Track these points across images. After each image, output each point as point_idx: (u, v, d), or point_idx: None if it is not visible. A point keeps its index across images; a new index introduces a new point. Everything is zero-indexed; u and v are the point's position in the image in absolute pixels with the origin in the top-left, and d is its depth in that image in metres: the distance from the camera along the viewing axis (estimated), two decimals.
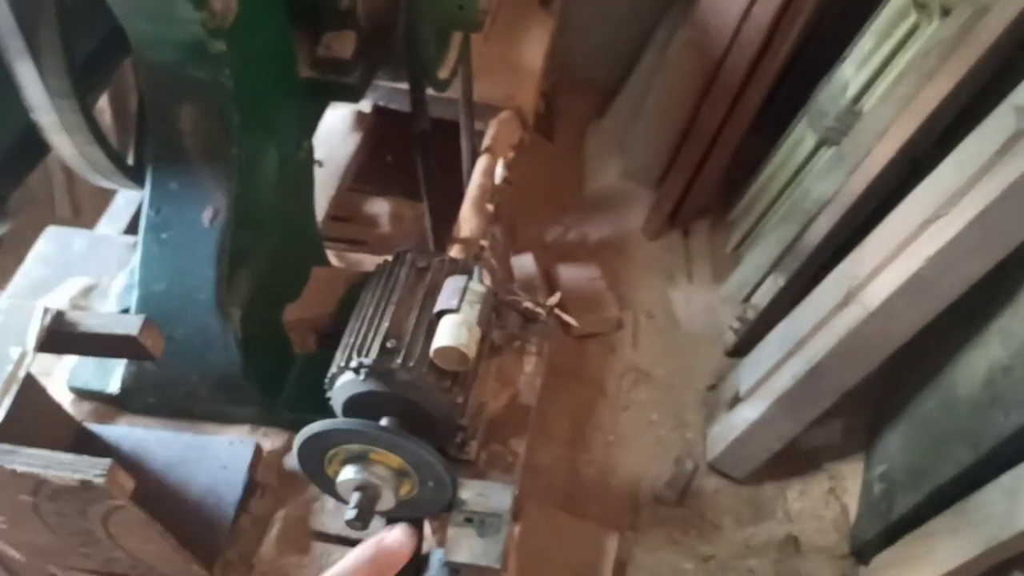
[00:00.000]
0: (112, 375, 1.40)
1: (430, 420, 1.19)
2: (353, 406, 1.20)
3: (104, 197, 2.28)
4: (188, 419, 1.39)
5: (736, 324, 2.11)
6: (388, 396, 1.17)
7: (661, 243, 2.39)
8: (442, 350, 1.16)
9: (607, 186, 2.49)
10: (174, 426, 1.40)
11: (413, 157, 2.06)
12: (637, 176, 2.43)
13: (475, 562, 1.14)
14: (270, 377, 1.37)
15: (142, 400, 1.39)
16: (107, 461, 0.98)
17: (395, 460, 1.14)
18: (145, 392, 1.38)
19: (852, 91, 1.89)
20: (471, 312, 1.19)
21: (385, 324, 1.20)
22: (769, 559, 1.83)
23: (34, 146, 1.47)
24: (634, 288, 2.33)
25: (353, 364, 1.17)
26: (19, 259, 1.79)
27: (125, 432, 1.35)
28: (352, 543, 1.28)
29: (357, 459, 1.15)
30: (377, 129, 2.04)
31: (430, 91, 1.69)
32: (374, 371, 1.16)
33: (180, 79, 1.23)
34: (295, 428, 1.37)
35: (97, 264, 1.63)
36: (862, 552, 1.77)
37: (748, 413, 1.85)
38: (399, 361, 1.16)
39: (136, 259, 1.33)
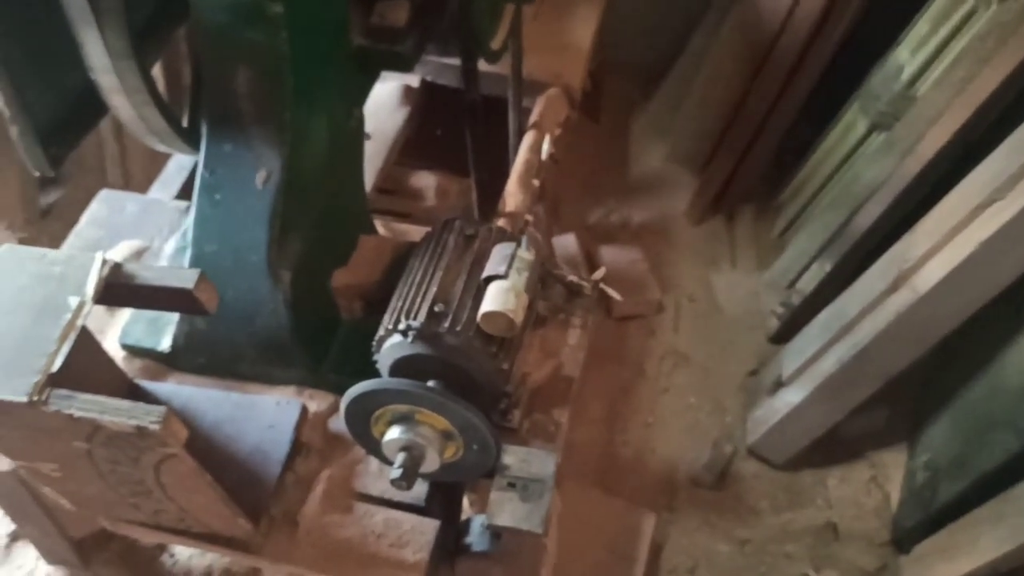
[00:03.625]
0: (163, 334, 1.43)
1: (475, 386, 1.20)
2: (399, 369, 1.22)
3: (155, 165, 2.31)
4: (235, 379, 1.42)
5: (780, 309, 2.10)
6: (434, 360, 1.18)
7: (704, 228, 2.38)
8: (489, 315, 1.17)
9: (651, 169, 2.48)
10: (222, 386, 1.42)
11: (460, 132, 2.07)
12: (682, 160, 2.42)
13: (518, 526, 1.15)
14: (317, 341, 1.39)
15: (192, 359, 1.41)
16: (162, 409, 0.99)
17: (441, 422, 1.16)
18: (195, 352, 1.40)
19: (907, 75, 1.86)
20: (519, 279, 1.20)
21: (433, 289, 1.22)
22: (806, 544, 1.82)
23: (90, 109, 1.50)
24: (676, 272, 2.32)
25: (401, 327, 1.18)
26: (71, 225, 1.83)
27: (175, 389, 1.37)
28: (394, 505, 1.30)
29: (403, 420, 1.17)
30: (424, 104, 2.05)
31: (480, 65, 1.70)
32: (422, 334, 1.17)
33: (237, 42, 1.25)
34: (340, 391, 1.39)
35: (149, 227, 1.66)
36: (903, 541, 1.75)
37: (791, 397, 1.84)
38: (446, 325, 1.17)
39: (189, 220, 1.35)
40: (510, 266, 1.20)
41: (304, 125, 1.32)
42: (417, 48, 1.46)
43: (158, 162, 2.35)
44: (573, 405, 1.37)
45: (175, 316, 1.42)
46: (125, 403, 1.01)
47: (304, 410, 1.33)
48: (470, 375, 1.19)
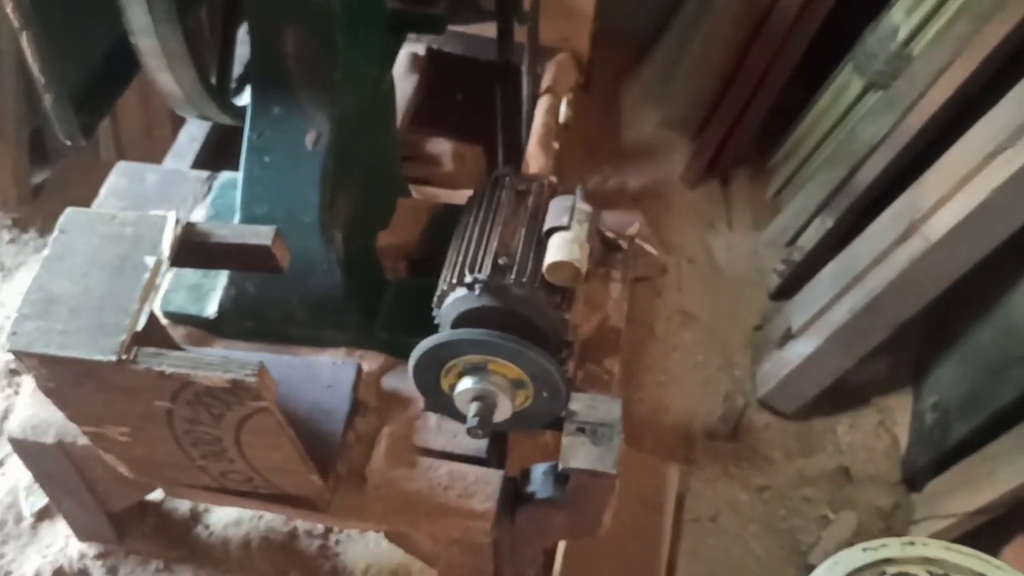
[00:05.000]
0: (207, 300, 1.43)
1: (539, 336, 1.22)
2: (463, 322, 1.23)
3: (150, 141, 2.29)
4: (284, 343, 1.42)
5: (781, 267, 2.16)
6: (500, 311, 1.21)
7: (700, 191, 2.43)
8: (556, 265, 1.19)
9: (645, 135, 2.51)
10: (270, 350, 1.42)
11: (465, 99, 2.08)
12: (676, 125, 2.46)
13: (592, 467, 1.19)
14: (368, 300, 1.40)
15: (239, 324, 1.42)
16: (257, 361, 1.01)
17: (513, 371, 1.18)
18: (243, 316, 1.41)
19: (902, 35, 1.93)
20: (580, 230, 1.23)
21: (494, 243, 1.24)
22: (822, 488, 1.89)
23: (119, 75, 1.49)
24: (674, 235, 2.37)
25: (467, 280, 1.20)
26: (65, 204, 1.80)
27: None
28: (455, 457, 1.32)
29: (476, 370, 1.19)
30: (431, 72, 2.06)
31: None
32: (488, 287, 1.19)
33: (286, 3, 1.25)
34: (391, 350, 1.42)
35: (172, 198, 1.64)
36: (915, 480, 1.83)
37: (802, 348, 1.90)
38: (512, 277, 1.19)
39: (239, 182, 1.35)
40: (571, 217, 1.22)
41: (351, 86, 1.33)
42: (451, 9, 1.48)
43: (154, 138, 2.32)
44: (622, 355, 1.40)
45: (219, 282, 1.43)
46: (217, 358, 1.01)
47: (360, 369, 1.35)
48: (535, 326, 1.21)
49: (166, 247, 1.07)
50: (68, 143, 1.41)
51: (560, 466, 1.18)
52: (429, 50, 2.04)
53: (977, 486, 1.62)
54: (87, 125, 1.40)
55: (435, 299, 1.25)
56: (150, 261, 1.06)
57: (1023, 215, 1.55)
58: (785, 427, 2.01)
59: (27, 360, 1.02)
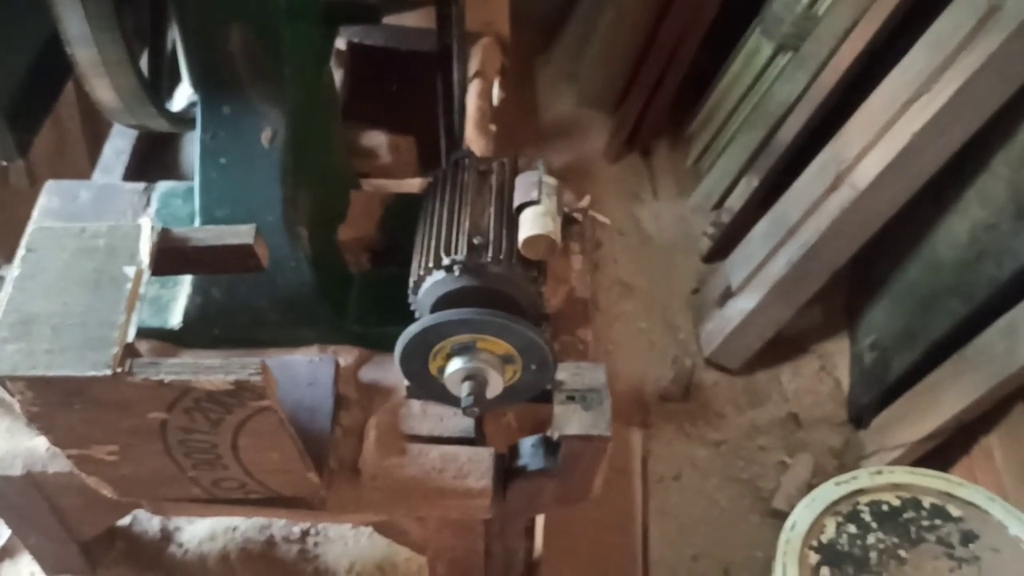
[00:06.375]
0: (169, 311, 1.39)
1: (518, 312, 1.24)
2: (442, 305, 1.24)
3: (63, 161, 2.20)
4: (252, 347, 1.40)
5: (711, 229, 2.23)
6: (480, 291, 1.22)
7: (622, 165, 2.49)
8: (532, 239, 1.21)
9: (562, 114, 2.56)
10: (240, 355, 1.39)
11: (388, 90, 2.07)
12: (592, 102, 2.51)
13: (587, 432, 1.22)
14: (337, 294, 1.39)
15: (205, 332, 1.38)
16: (258, 360, 1.00)
17: (502, 346, 1.20)
18: (210, 324, 1.38)
19: None
20: (550, 202, 1.25)
21: (466, 224, 1.25)
22: (775, 436, 1.97)
23: (49, 87, 1.44)
24: (601, 209, 2.42)
25: (445, 263, 1.21)
26: None
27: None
28: (444, 440, 1.33)
29: (464, 350, 1.20)
30: (353, 66, 2.04)
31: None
32: (467, 267, 1.20)
33: (229, 1, 1.23)
34: (364, 343, 1.41)
35: (110, 212, 1.59)
36: (860, 417, 1.93)
37: (743, 304, 1.97)
38: (489, 255, 1.21)
39: (196, 186, 1.32)
40: (540, 191, 1.25)
41: (300, 80, 1.32)
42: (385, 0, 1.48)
43: (66, 157, 2.23)
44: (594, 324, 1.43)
45: (179, 291, 1.39)
46: (215, 360, 1.00)
47: (337, 364, 1.34)
48: (515, 301, 1.22)
49: (144, 255, 1.04)
50: (3, 163, 1.37)
51: (555, 435, 1.21)
52: (350, 44, 2.02)
53: (922, 415, 1.72)
54: (23, 144, 1.35)
55: (410, 286, 1.25)
56: (130, 271, 1.03)
57: (942, 156, 1.66)
58: (732, 382, 2.09)
59: (13, 384, 0.98)
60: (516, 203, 1.25)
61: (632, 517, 1.74)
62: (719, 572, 1.82)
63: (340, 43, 2.04)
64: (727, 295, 2.05)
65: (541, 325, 1.31)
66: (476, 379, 1.19)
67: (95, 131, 2.21)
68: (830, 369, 2.05)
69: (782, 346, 2.09)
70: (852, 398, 1.98)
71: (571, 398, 1.24)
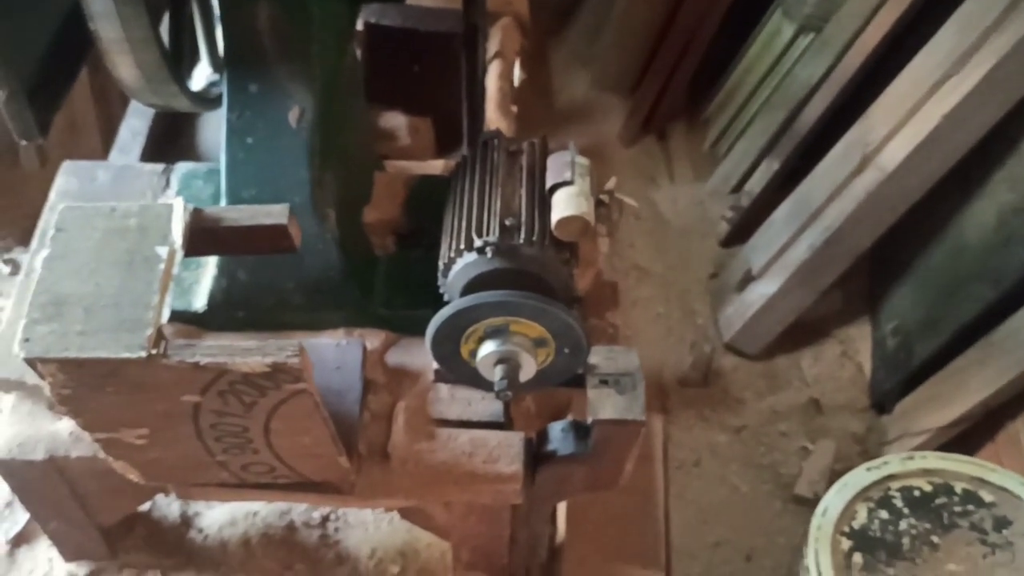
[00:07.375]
0: (193, 294, 1.37)
1: (549, 294, 1.22)
2: (473, 288, 1.22)
3: (74, 141, 2.17)
4: (278, 330, 1.38)
5: (729, 214, 2.21)
6: (513, 272, 1.20)
7: (638, 148, 2.46)
8: (565, 220, 1.19)
9: (578, 97, 2.53)
10: (263, 339, 1.37)
11: (406, 72, 2.04)
12: (608, 85, 2.48)
13: (622, 417, 1.20)
14: (364, 277, 1.38)
15: (229, 315, 1.36)
16: (295, 342, 0.98)
17: (535, 329, 1.18)
18: (234, 306, 1.36)
19: None
20: (584, 183, 1.24)
21: (497, 205, 1.23)
22: (796, 422, 1.96)
23: (69, 64, 1.41)
24: (618, 193, 2.40)
25: (477, 244, 1.19)
26: None
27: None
28: (472, 425, 1.32)
29: (497, 333, 1.18)
30: (372, 46, 2.01)
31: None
32: (499, 249, 1.18)
33: None
34: (390, 326, 1.40)
35: (129, 194, 1.57)
36: (883, 403, 1.92)
37: (764, 289, 1.96)
38: (522, 237, 1.19)
39: (221, 166, 1.30)
40: (573, 172, 1.23)
41: (327, 58, 1.30)
42: None
43: (77, 138, 2.20)
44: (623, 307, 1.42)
45: (203, 274, 1.37)
46: (252, 342, 0.98)
47: (365, 348, 1.32)
48: (547, 284, 1.21)
49: (177, 235, 1.02)
50: (23, 142, 1.34)
51: (590, 419, 1.19)
52: (367, 24, 2.00)
53: (948, 400, 1.71)
54: (44, 122, 1.33)
55: (440, 267, 1.23)
56: (163, 251, 1.01)
57: (972, 138, 1.64)
58: (752, 368, 2.07)
59: (44, 367, 0.96)
60: (549, 184, 1.23)
61: (655, 503, 1.73)
62: (741, 559, 1.81)
63: (357, 24, 2.02)
64: (747, 279, 2.03)
65: (572, 308, 1.30)
66: (509, 363, 1.17)
67: (107, 112, 2.18)
68: (852, 354, 2.04)
69: (802, 331, 2.07)
70: (874, 383, 1.96)
71: (604, 382, 1.22)
